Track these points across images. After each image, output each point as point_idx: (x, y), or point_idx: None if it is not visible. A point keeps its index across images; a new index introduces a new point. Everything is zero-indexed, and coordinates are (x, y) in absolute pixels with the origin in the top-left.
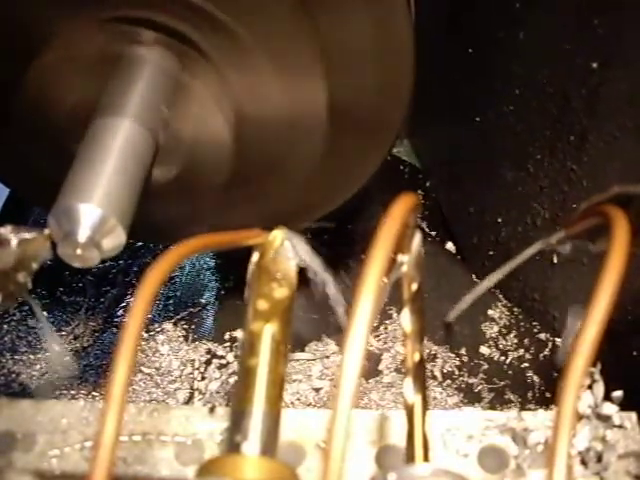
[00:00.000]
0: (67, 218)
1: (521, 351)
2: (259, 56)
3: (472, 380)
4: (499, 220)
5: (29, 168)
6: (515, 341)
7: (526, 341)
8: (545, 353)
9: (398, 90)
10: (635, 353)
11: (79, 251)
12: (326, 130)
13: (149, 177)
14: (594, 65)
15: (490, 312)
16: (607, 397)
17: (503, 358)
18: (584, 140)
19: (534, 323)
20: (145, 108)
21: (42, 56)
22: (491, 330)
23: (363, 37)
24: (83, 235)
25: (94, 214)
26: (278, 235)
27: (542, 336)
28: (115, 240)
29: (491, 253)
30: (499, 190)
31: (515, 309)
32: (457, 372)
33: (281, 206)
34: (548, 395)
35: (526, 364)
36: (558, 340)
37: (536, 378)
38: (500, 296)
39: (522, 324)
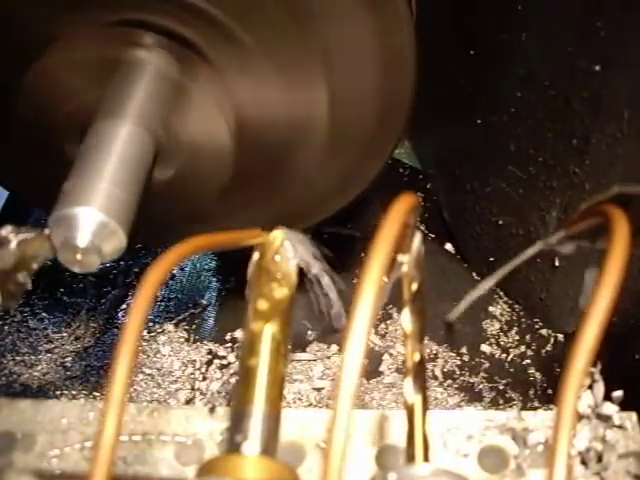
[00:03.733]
0: (67, 223)
1: (522, 348)
2: (260, 59)
3: (473, 379)
4: (500, 222)
5: (29, 171)
6: (517, 338)
7: (528, 337)
8: (547, 349)
9: (400, 94)
10: (637, 356)
11: (79, 256)
12: (326, 133)
13: (149, 180)
14: (596, 68)
15: (491, 309)
16: (607, 397)
17: (504, 355)
18: (586, 143)
19: (535, 319)
20: (145, 111)
21: (42, 59)
22: (492, 327)
23: (364, 40)
24: (83, 240)
25: (94, 218)
26: (278, 235)
27: (544, 332)
28: (116, 244)
29: (492, 256)
30: (500, 193)
31: (516, 306)
32: (458, 371)
33: (281, 210)
34: (550, 392)
35: (528, 361)
36: (560, 336)
37: (538, 375)
38: (501, 293)
39: (523, 320)
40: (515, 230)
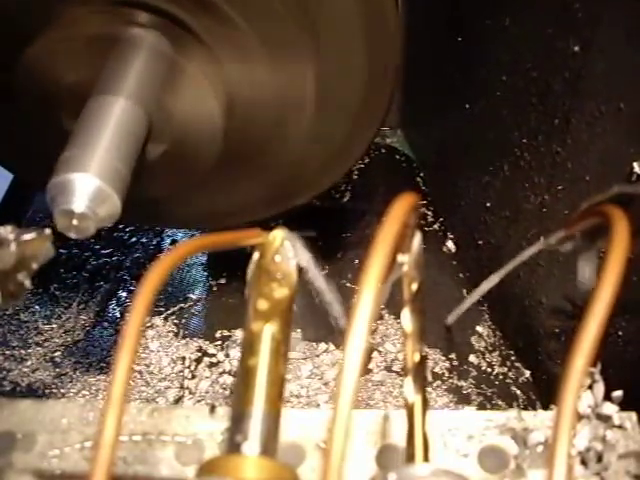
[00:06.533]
0: (64, 189)
1: (505, 369)
2: (250, 38)
3: (462, 383)
4: (488, 205)
5: (28, 149)
6: (499, 359)
7: (507, 363)
8: (522, 380)
9: (385, 71)
10: (621, 333)
11: (75, 222)
12: (314, 109)
13: (142, 155)
14: (575, 48)
15: (478, 328)
16: (607, 397)
17: (490, 370)
18: (567, 123)
19: (510, 351)
20: (140, 87)
21: (41, 37)
22: (479, 344)
23: (351, 18)
24: (80, 205)
25: (90, 183)
26: (278, 235)
27: (519, 365)
28: (110, 209)
29: (481, 239)
30: (488, 175)
31: (497, 332)
32: (447, 374)
33: (269, 188)
34: (530, 409)
35: (509, 380)
36: (528, 373)
37: (519, 392)
38: (486, 316)
39: (503, 348)
40: (502, 212)
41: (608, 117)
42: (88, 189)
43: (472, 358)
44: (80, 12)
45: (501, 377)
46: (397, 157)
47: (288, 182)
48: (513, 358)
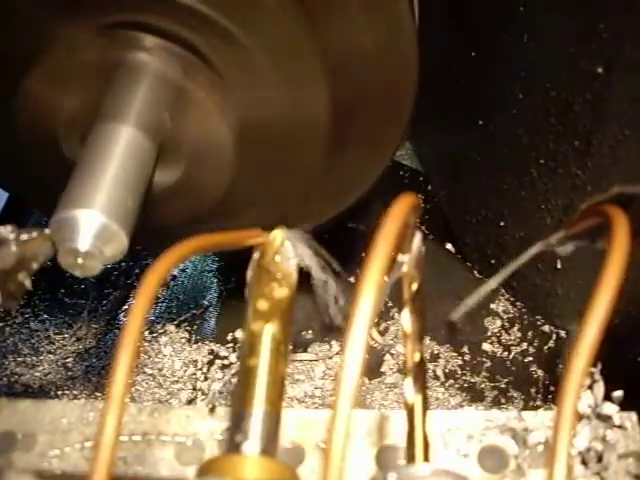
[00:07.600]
0: (67, 226)
1: (524, 345)
2: (261, 63)
3: (475, 379)
4: (502, 224)
5: (30, 175)
6: (518, 335)
7: (529, 334)
8: (549, 345)
9: (402, 93)
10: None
11: (80, 260)
12: (328, 134)
13: (150, 184)
14: (599, 70)
15: (493, 306)
16: (607, 397)
17: (506, 354)
18: (588, 145)
19: (537, 316)
20: (146, 114)
21: (42, 62)
22: (494, 325)
23: (365, 43)
24: (84, 244)
25: (95, 220)
26: (278, 235)
27: (546, 328)
28: (117, 247)
29: (493, 258)
30: (502, 194)
31: (518, 303)
32: (460, 371)
33: (278, 215)
34: (552, 389)
35: (530, 358)
36: (562, 332)
37: (540, 372)
38: (503, 290)
39: (525, 317)
40: (517, 232)
41: (632, 140)
42: (93, 227)
43: (486, 346)
44: (81, 36)
45: (519, 358)
46: (402, 172)
47: (296, 210)
48: (539, 323)
